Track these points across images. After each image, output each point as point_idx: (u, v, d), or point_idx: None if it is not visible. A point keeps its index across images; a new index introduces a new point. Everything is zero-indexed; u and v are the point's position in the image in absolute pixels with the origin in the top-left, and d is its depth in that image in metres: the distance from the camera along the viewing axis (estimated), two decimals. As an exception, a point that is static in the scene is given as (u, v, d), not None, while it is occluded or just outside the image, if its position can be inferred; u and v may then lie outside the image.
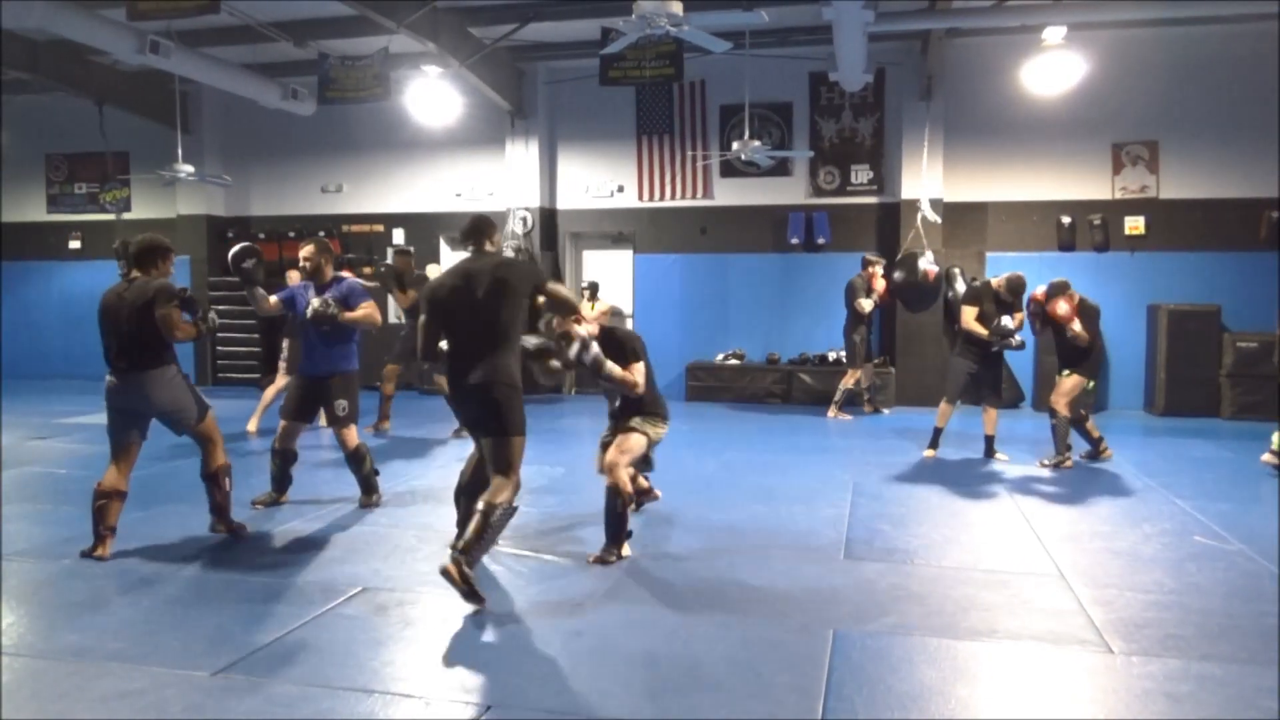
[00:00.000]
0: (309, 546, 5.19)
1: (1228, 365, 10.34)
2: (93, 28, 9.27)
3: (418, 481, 6.92)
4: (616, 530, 4.93)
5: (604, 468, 5.02)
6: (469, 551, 4.13)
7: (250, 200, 13.85)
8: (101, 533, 4.89)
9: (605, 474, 4.98)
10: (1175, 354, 10.43)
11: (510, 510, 4.32)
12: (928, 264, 10.48)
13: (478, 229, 4.55)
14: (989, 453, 7.87)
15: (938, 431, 8.01)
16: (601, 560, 4.87)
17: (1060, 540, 5.38)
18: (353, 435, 6.04)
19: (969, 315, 7.69)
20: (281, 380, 8.90)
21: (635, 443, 5.02)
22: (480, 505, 4.23)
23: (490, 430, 4.34)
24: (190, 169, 11.01)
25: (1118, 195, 11.08)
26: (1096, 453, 7.84)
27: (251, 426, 9.05)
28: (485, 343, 4.31)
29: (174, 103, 11.50)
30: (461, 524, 4.60)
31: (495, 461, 4.33)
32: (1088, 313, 7.53)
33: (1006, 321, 7.52)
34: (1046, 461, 7.57)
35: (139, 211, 14.04)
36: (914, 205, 11.16)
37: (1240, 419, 10.14)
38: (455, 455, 7.55)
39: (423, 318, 4.51)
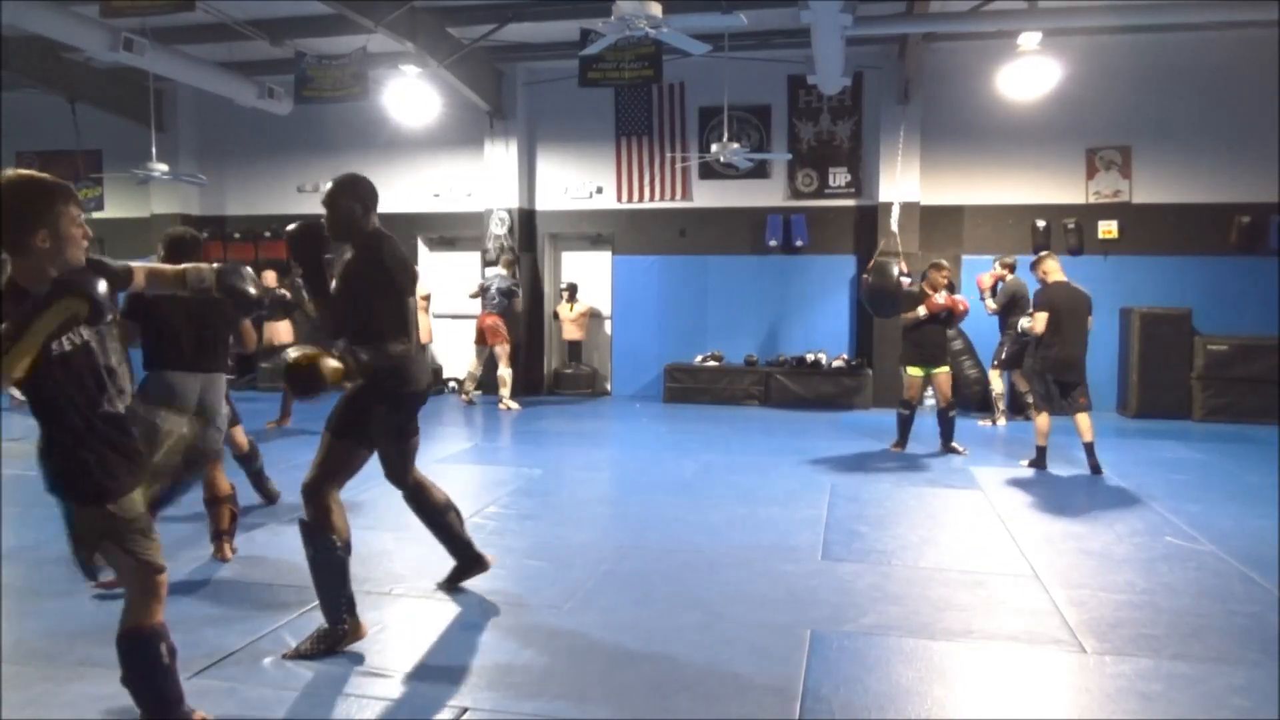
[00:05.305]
0: (282, 549, 5.14)
1: (1199, 368, 10.45)
2: (66, 24, 9.14)
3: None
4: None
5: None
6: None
7: (225, 200, 13.73)
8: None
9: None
10: (1147, 357, 10.54)
11: None
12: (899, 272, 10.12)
13: None
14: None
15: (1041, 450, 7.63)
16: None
17: (1035, 541, 5.43)
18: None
19: (1040, 320, 7.70)
20: None
21: None
22: (447, 503, 4.46)
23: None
24: (164, 168, 10.89)
25: (1091, 199, 11.20)
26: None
27: None
28: None
29: (148, 100, 11.37)
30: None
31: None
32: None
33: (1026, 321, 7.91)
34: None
35: (112, 211, 13.87)
36: (890, 208, 11.22)
37: (1211, 421, 10.27)
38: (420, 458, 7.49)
39: None
